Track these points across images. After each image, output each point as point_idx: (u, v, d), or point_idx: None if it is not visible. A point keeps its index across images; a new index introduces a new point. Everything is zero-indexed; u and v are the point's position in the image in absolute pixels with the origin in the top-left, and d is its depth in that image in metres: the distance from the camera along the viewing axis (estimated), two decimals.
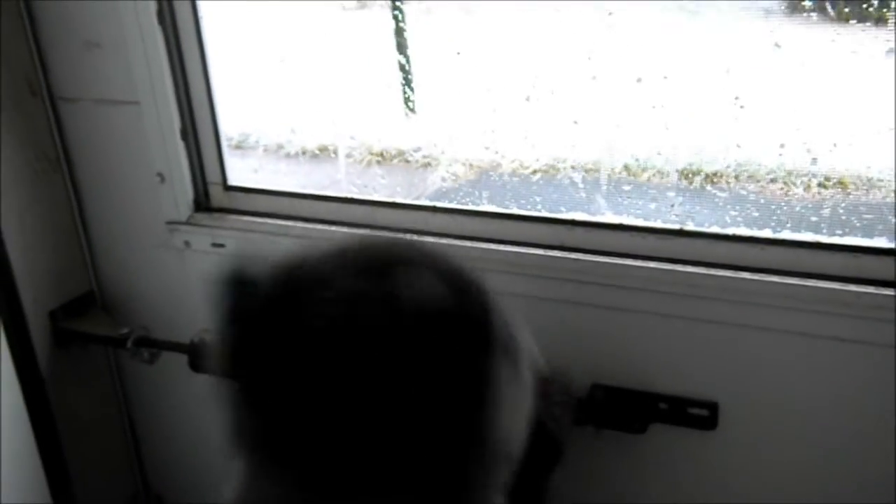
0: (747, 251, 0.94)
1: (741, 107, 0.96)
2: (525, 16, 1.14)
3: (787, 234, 0.94)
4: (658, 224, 0.99)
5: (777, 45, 0.93)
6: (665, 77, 1.00)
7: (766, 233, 0.95)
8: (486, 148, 1.15)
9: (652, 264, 0.97)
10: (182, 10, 1.12)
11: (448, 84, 1.21)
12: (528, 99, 1.09)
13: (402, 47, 1.19)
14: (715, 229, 0.97)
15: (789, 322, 0.92)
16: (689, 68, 1.02)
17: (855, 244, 0.91)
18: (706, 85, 1.01)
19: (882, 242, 0.90)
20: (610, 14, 1.00)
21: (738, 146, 1.02)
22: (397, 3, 1.17)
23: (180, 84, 1.17)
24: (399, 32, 1.18)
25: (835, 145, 0.95)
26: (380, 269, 0.56)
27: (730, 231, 0.96)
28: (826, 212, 0.94)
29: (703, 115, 1.01)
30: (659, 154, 1.06)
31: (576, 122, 1.08)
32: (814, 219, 0.94)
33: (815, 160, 0.97)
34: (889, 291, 0.87)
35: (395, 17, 1.18)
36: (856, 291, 0.88)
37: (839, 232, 0.92)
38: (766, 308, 0.92)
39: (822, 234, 0.93)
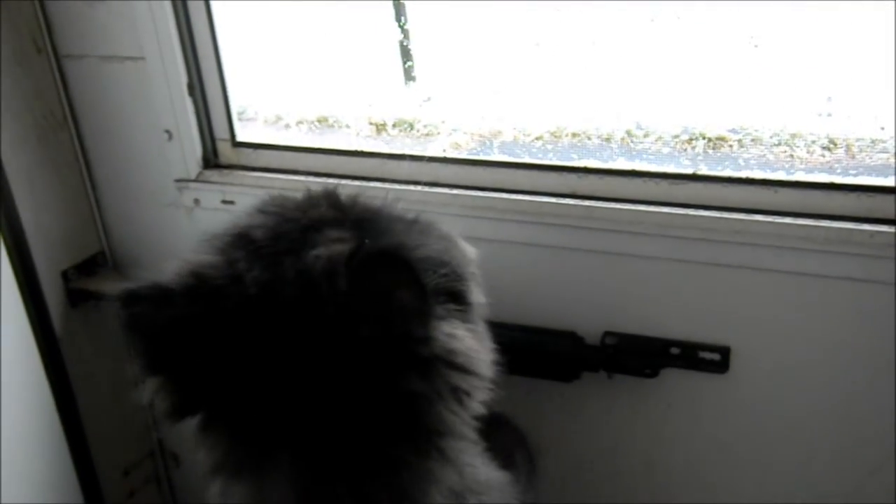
0: (760, 193, 0.94)
1: (754, 53, 0.95)
2: None
3: (800, 176, 0.94)
4: (671, 169, 0.99)
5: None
6: (668, 36, 0.99)
7: (780, 174, 0.95)
8: (483, 118, 1.14)
9: (665, 209, 0.97)
10: None
11: (448, 51, 1.19)
12: (530, 63, 1.08)
13: (400, 15, 1.18)
14: (728, 172, 0.97)
15: (802, 263, 0.92)
16: (691, 30, 1.00)
17: (867, 184, 0.91)
18: (712, 44, 1.00)
19: (891, 181, 0.90)
20: None
21: (745, 107, 1.01)
22: None
23: (186, 39, 1.15)
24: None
25: (834, 107, 0.95)
26: (288, 249, 0.60)
27: (743, 174, 0.96)
28: (840, 152, 0.93)
29: (708, 80, 1.01)
30: (662, 119, 1.06)
31: (578, 88, 1.07)
32: (826, 159, 0.94)
33: (820, 118, 0.97)
34: None
35: None
36: (869, 231, 0.88)
37: (852, 172, 0.92)
38: (778, 250, 0.92)
39: (835, 174, 0.93)
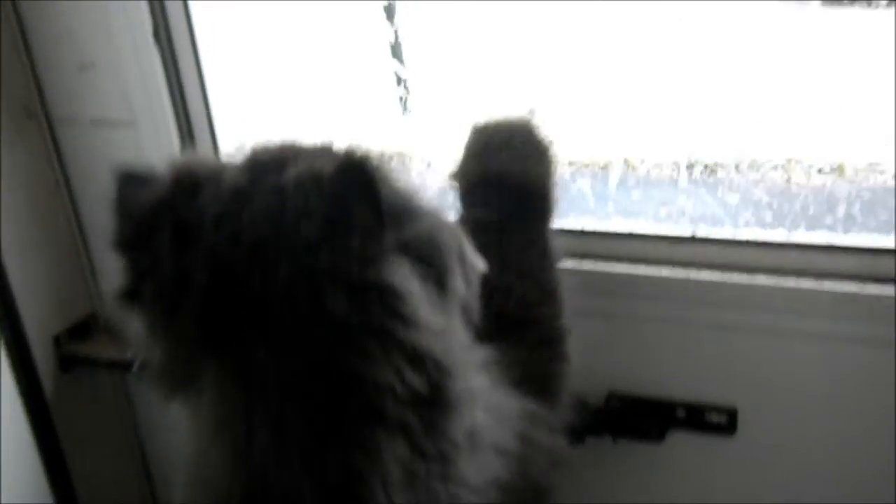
0: (761, 254, 0.93)
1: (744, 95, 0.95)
2: (515, 15, 1.14)
3: (800, 236, 0.93)
4: (669, 230, 0.98)
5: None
6: (662, 68, 0.99)
7: (780, 235, 0.94)
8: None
9: (664, 271, 0.96)
10: (178, 27, 1.11)
11: (442, 82, 1.20)
12: (526, 92, 1.07)
13: (396, 47, 1.18)
14: (728, 232, 0.96)
15: (807, 324, 0.91)
16: (687, 59, 1.01)
17: (870, 244, 0.90)
18: (708, 74, 1.00)
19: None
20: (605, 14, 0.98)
21: (747, 138, 1.01)
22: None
23: (178, 102, 1.15)
24: (394, 31, 1.17)
25: (834, 131, 0.95)
26: (272, 167, 0.60)
27: (742, 235, 0.95)
28: (840, 211, 0.93)
29: (705, 106, 1.01)
30: (658, 148, 1.05)
31: (573, 117, 1.07)
32: (828, 220, 0.93)
33: (815, 147, 0.97)
34: None
35: (388, 15, 1.16)
36: (872, 292, 0.87)
37: (854, 232, 0.91)
38: (782, 311, 0.91)
39: (836, 232, 0.92)
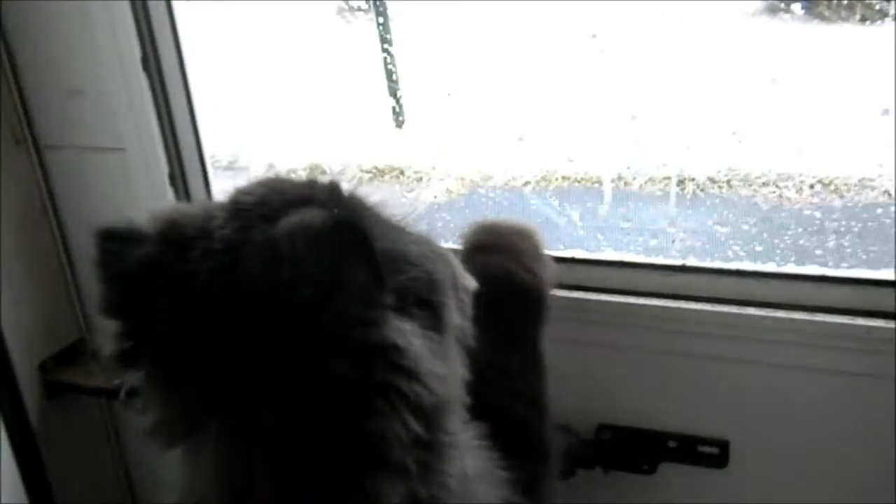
0: (752, 286, 0.93)
1: (737, 123, 0.95)
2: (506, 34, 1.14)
3: (791, 268, 0.93)
4: (660, 260, 0.97)
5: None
6: (652, 86, 0.99)
7: (770, 266, 0.93)
8: (473, 162, 1.14)
9: (655, 301, 0.95)
10: (167, 55, 1.11)
11: (436, 97, 1.20)
12: (520, 109, 1.07)
13: (388, 63, 1.18)
14: (718, 264, 0.95)
15: (797, 357, 0.90)
16: (677, 78, 1.01)
17: (860, 276, 0.89)
18: (697, 93, 1.00)
19: (888, 274, 0.88)
20: (594, 36, 0.98)
21: (737, 157, 1.01)
22: (381, 12, 1.16)
23: (167, 129, 1.15)
24: (385, 48, 1.17)
25: (825, 147, 0.94)
26: (258, 214, 0.59)
27: (733, 266, 0.94)
28: (831, 244, 0.92)
29: (694, 125, 1.00)
30: (650, 164, 1.05)
31: (569, 132, 1.07)
32: (818, 252, 0.93)
33: (805, 162, 0.96)
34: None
35: (381, 32, 1.17)
36: (864, 325, 0.86)
37: (844, 265, 0.91)
38: (772, 344, 0.90)
39: (827, 266, 0.91)
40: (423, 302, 0.61)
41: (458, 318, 0.66)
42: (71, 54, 1.13)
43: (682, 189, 1.02)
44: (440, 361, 0.61)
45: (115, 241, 0.61)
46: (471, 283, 0.70)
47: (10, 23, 1.14)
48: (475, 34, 1.21)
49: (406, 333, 0.58)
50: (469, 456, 0.65)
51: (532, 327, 0.85)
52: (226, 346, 0.56)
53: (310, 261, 0.54)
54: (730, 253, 0.97)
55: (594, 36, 0.99)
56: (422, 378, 0.58)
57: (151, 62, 1.10)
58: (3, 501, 1.16)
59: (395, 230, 0.64)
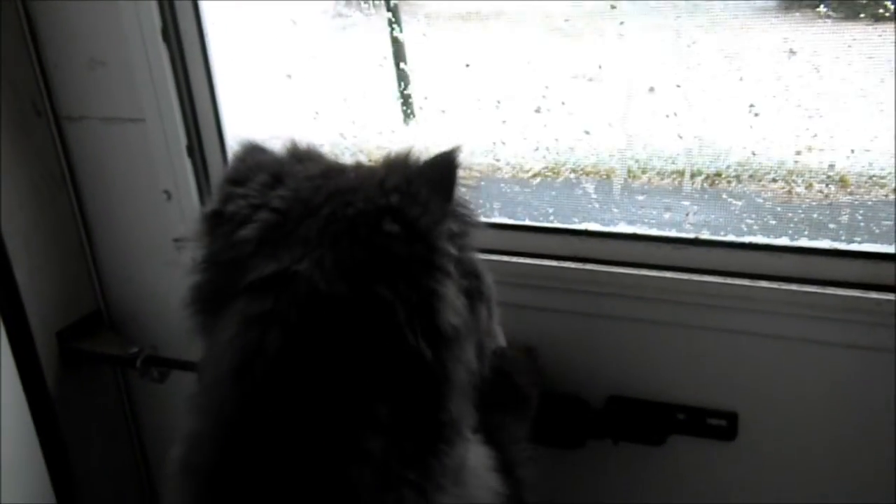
0: (764, 259, 0.93)
1: (756, 114, 0.96)
2: (527, 27, 1.14)
3: (804, 242, 0.93)
4: (673, 233, 0.98)
5: (791, 51, 0.93)
6: (666, 75, 0.99)
7: (783, 241, 0.94)
8: (482, 155, 1.14)
9: (667, 274, 0.96)
10: (187, 27, 1.12)
11: (446, 89, 1.20)
12: (537, 110, 1.08)
13: (399, 53, 1.19)
14: (731, 237, 0.96)
15: (808, 330, 0.91)
16: (693, 69, 1.00)
17: (873, 250, 0.90)
18: (710, 84, 1.00)
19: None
20: (621, 23, 0.99)
21: (748, 150, 1.01)
22: (396, 11, 1.16)
23: (186, 100, 1.16)
24: (395, 40, 1.18)
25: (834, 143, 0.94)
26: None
27: (746, 239, 0.95)
28: (844, 218, 0.93)
29: (707, 117, 1.00)
30: (659, 157, 1.05)
31: (573, 124, 1.07)
32: (832, 226, 0.93)
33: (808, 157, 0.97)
34: None
35: (391, 25, 1.17)
36: (875, 298, 0.87)
37: (857, 239, 0.91)
38: (784, 317, 0.91)
39: (839, 241, 0.92)
40: (468, 280, 0.67)
41: (486, 321, 0.72)
42: (91, 26, 1.14)
43: (692, 184, 1.03)
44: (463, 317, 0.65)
45: (255, 150, 0.75)
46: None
47: None
48: (485, 26, 1.21)
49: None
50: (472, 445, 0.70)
51: (519, 419, 0.91)
52: (290, 217, 0.64)
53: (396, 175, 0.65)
54: (743, 227, 0.97)
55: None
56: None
57: (171, 33, 1.11)
58: (21, 465, 1.18)
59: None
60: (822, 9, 0.90)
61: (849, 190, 0.95)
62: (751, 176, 1.00)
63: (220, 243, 0.67)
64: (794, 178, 0.98)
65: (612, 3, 0.98)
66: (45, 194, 1.23)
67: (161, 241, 1.23)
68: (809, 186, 0.97)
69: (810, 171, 0.97)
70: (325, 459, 0.60)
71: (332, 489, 0.60)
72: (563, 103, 1.06)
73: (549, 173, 1.11)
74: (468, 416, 0.69)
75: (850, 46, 0.90)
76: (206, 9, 1.12)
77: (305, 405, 0.60)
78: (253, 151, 0.74)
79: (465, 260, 0.68)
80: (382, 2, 1.17)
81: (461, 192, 0.68)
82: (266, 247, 0.64)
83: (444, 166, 0.67)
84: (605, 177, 1.08)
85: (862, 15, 0.90)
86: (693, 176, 1.02)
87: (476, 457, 0.71)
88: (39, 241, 1.23)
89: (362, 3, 1.19)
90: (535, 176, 1.12)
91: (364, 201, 0.64)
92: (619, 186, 1.06)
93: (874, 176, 0.94)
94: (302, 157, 0.73)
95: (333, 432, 0.60)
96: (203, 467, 0.63)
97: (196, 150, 1.18)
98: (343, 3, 1.25)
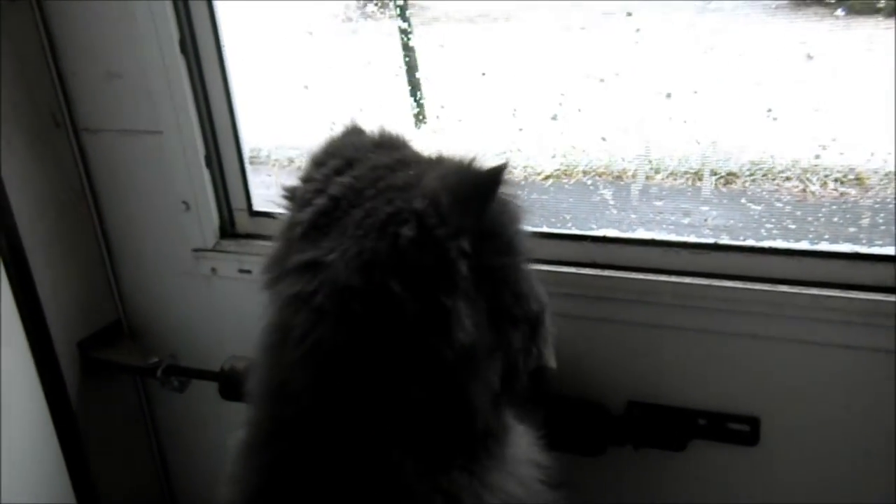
0: (784, 264, 0.93)
1: (772, 115, 0.95)
2: (538, 30, 1.14)
3: (824, 246, 0.93)
4: (692, 238, 0.98)
5: (808, 54, 0.92)
6: (677, 70, 0.99)
7: (803, 245, 0.94)
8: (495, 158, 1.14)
9: (686, 279, 0.96)
10: (204, 39, 1.13)
11: (457, 94, 1.20)
12: (554, 116, 1.08)
13: (410, 59, 1.19)
14: (750, 242, 0.96)
15: (831, 334, 0.90)
16: (703, 63, 1.00)
17: (892, 254, 0.89)
18: (723, 83, 1.00)
19: None
20: (637, 30, 0.99)
21: (767, 153, 1.01)
22: (404, 11, 1.17)
23: (203, 112, 1.17)
24: (406, 46, 1.18)
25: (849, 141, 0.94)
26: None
27: (765, 244, 0.95)
28: (865, 221, 0.92)
29: (721, 118, 1.00)
30: (671, 158, 1.05)
31: (588, 126, 1.07)
32: (852, 229, 0.93)
33: (825, 155, 0.96)
34: None
35: (403, 31, 1.17)
36: None
37: (879, 242, 0.91)
38: (806, 321, 0.91)
39: (860, 244, 0.92)
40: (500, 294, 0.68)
41: (519, 342, 0.71)
42: (109, 38, 1.15)
43: (708, 184, 1.02)
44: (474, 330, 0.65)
45: (356, 131, 0.78)
46: (552, 360, 0.79)
47: (50, 6, 1.17)
48: (499, 28, 1.21)
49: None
50: (520, 438, 0.74)
51: None
52: (340, 202, 0.67)
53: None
54: (763, 231, 0.97)
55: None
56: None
57: (189, 45, 1.12)
58: (43, 473, 1.20)
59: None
60: (839, 12, 0.89)
61: (868, 192, 0.94)
62: (764, 175, 1.00)
63: (287, 221, 0.71)
64: (806, 175, 0.98)
65: (629, 9, 0.99)
66: (65, 205, 1.25)
67: (180, 251, 1.24)
68: (824, 185, 0.97)
69: (825, 169, 0.97)
70: (362, 439, 0.63)
71: (375, 470, 0.63)
72: (579, 110, 1.06)
73: (562, 175, 1.11)
74: (506, 414, 0.70)
75: (871, 44, 0.90)
76: (223, 20, 1.12)
77: (338, 387, 0.63)
78: (350, 133, 0.77)
79: (499, 280, 0.67)
80: (391, 1, 1.18)
81: (507, 210, 0.68)
82: (314, 231, 0.66)
83: (481, 182, 0.66)
84: (617, 178, 1.07)
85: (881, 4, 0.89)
86: (713, 175, 1.02)
87: (517, 434, 0.73)
88: (60, 252, 1.24)
89: (370, 4, 1.20)
90: (547, 178, 1.12)
91: (402, 201, 0.65)
92: (637, 191, 1.06)
93: (889, 173, 0.93)
94: (382, 145, 0.74)
95: (367, 412, 0.63)
96: (255, 448, 0.68)
97: (214, 160, 1.19)
98: (353, 4, 1.25)
